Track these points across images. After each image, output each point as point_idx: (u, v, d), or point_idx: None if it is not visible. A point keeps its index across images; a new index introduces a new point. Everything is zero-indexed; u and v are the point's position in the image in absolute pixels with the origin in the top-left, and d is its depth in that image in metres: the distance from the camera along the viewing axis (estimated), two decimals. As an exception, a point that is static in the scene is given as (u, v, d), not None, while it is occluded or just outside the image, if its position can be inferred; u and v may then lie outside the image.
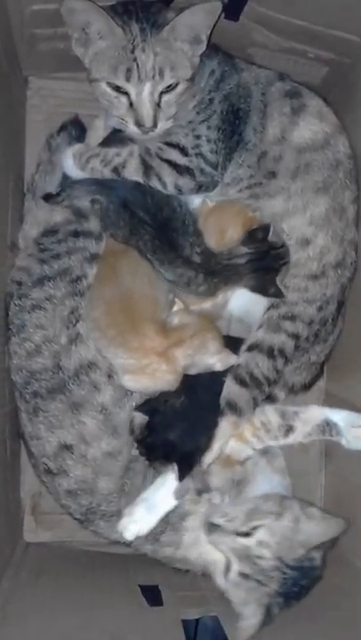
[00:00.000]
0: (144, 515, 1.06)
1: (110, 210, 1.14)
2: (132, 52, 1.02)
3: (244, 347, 1.13)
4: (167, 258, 1.14)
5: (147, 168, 1.12)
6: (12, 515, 1.24)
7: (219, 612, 1.02)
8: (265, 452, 1.16)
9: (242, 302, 1.20)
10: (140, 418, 1.07)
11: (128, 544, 1.10)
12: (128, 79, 1.03)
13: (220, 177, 1.15)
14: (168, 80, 1.04)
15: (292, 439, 1.15)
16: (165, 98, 1.06)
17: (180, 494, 1.07)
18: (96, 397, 1.09)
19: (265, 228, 1.12)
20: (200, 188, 1.15)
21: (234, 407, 1.09)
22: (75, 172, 1.17)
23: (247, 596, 1.01)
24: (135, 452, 1.09)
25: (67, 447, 1.08)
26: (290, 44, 1.16)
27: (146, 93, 1.04)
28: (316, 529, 1.03)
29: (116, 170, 1.13)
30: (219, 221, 1.19)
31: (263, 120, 1.13)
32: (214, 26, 1.06)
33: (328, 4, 1.04)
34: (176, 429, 1.07)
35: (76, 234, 1.15)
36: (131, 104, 1.06)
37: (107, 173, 1.13)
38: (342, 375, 1.25)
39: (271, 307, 1.14)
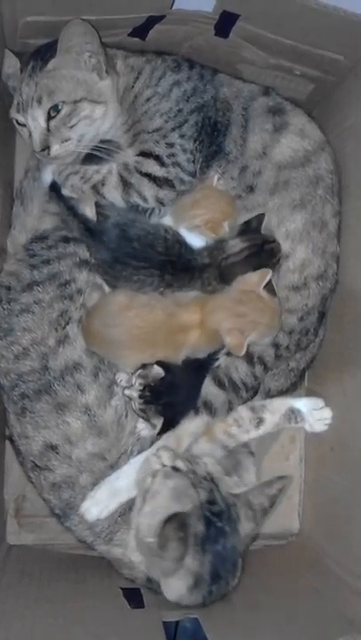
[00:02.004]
0: (106, 498, 1.07)
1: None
2: (20, 87, 1.11)
3: (224, 350, 1.14)
4: (183, 282, 1.16)
5: (125, 185, 1.14)
6: (-5, 517, 1.25)
7: (199, 615, 1.03)
8: (237, 466, 1.18)
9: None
10: (158, 370, 1.09)
11: (90, 545, 1.11)
12: (18, 111, 1.13)
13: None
14: (46, 105, 1.09)
15: (263, 430, 1.17)
16: (53, 123, 1.10)
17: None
18: (80, 398, 1.10)
19: (259, 218, 1.14)
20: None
21: (209, 407, 1.11)
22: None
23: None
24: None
25: (52, 447, 1.09)
26: (278, 61, 1.19)
27: (30, 120, 1.11)
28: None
29: (95, 187, 1.15)
30: (212, 212, 1.17)
31: (244, 134, 1.16)
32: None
33: (315, 25, 1.07)
34: (179, 395, 1.11)
35: (66, 239, 1.17)
36: (30, 134, 1.12)
37: (86, 190, 1.15)
38: (323, 383, 1.27)
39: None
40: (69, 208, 1.17)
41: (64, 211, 1.18)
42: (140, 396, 1.10)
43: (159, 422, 1.09)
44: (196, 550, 0.96)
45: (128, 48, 1.19)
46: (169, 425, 1.10)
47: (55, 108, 1.10)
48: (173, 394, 1.11)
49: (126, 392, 1.11)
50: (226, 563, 1.00)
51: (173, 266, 1.13)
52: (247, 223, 1.15)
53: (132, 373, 1.12)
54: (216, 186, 1.17)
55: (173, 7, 1.08)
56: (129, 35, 1.16)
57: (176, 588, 0.99)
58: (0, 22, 1.10)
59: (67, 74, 1.11)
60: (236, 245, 1.14)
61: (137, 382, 1.10)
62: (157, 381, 1.10)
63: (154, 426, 1.10)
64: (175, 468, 1.02)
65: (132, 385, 1.11)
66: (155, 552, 0.95)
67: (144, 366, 1.11)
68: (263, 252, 1.14)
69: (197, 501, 0.99)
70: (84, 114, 1.12)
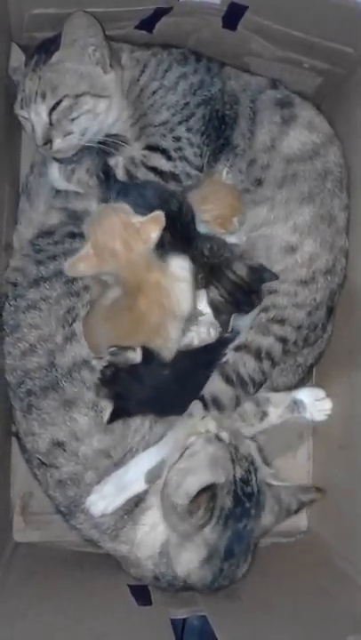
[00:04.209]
0: (113, 492, 1.06)
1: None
2: (24, 82, 1.10)
3: (232, 345, 1.14)
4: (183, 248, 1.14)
5: (132, 179, 1.14)
6: (1, 514, 1.24)
7: (206, 612, 1.03)
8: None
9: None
10: (133, 356, 1.08)
11: (96, 543, 1.11)
12: (22, 107, 1.12)
13: None
14: (50, 102, 1.09)
15: (267, 423, 1.17)
16: (55, 116, 1.10)
17: (150, 478, 1.07)
18: (87, 394, 1.09)
19: (274, 275, 1.13)
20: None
21: (217, 403, 1.10)
22: (61, 183, 1.19)
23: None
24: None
25: (59, 444, 1.09)
26: (286, 53, 1.18)
27: (33, 115, 1.10)
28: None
29: None
30: (221, 208, 1.18)
31: (252, 127, 1.15)
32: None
33: (324, 17, 1.06)
34: (137, 391, 1.09)
35: (72, 235, 1.17)
36: (33, 128, 1.12)
37: (93, 185, 1.15)
38: (331, 380, 1.26)
39: (261, 310, 1.15)
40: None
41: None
42: (101, 372, 1.09)
43: (108, 407, 1.07)
44: (217, 523, 0.97)
45: (135, 41, 1.18)
46: (116, 416, 1.08)
47: (59, 103, 1.10)
48: (132, 387, 1.09)
49: (94, 361, 1.10)
50: (242, 543, 1.00)
51: (175, 226, 1.13)
52: (263, 269, 1.14)
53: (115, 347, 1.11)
54: (225, 180, 1.16)
55: (181, -1, 1.07)
56: (136, 27, 1.16)
57: (188, 559, 1.00)
58: (6, 15, 1.09)
59: (70, 67, 1.10)
60: (240, 269, 1.15)
61: (106, 357, 1.09)
62: (126, 366, 1.08)
63: (101, 408, 1.09)
64: (219, 438, 1.02)
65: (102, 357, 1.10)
66: (179, 513, 0.96)
67: (126, 347, 1.09)
68: (248, 298, 1.15)
69: (232, 477, 0.98)
70: (87, 107, 1.11)
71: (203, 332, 1.17)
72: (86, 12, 1.06)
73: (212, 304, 1.16)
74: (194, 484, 0.94)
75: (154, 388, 1.10)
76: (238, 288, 1.14)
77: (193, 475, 0.96)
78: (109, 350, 1.09)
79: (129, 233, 1.07)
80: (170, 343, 1.10)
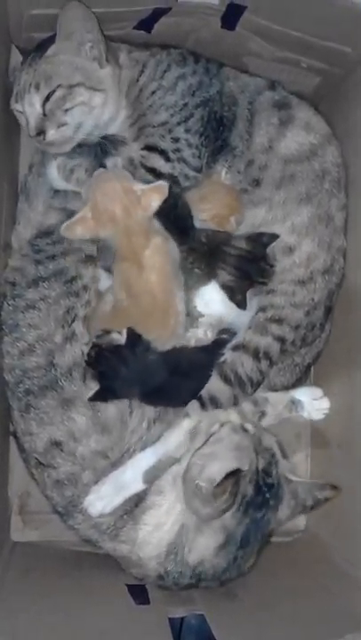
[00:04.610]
0: (111, 493, 1.06)
1: None
2: (20, 76, 1.11)
3: (230, 345, 1.14)
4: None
5: None
6: (-1, 514, 1.24)
7: (204, 611, 1.03)
8: None
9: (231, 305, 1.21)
10: (116, 337, 1.09)
11: (96, 544, 1.10)
12: (16, 100, 1.13)
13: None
14: (44, 91, 1.09)
15: (265, 423, 1.17)
16: (48, 106, 1.10)
17: (148, 478, 1.07)
18: (85, 392, 1.09)
19: (273, 236, 1.13)
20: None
21: (215, 402, 1.10)
22: (60, 183, 1.19)
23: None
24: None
25: (56, 444, 1.09)
26: (284, 53, 1.19)
27: (26, 106, 1.10)
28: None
29: None
30: (219, 207, 1.18)
31: (250, 128, 1.15)
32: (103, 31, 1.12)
33: (323, 17, 1.06)
34: (130, 370, 1.10)
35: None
36: (27, 120, 1.12)
37: None
38: (330, 379, 1.26)
39: (259, 309, 1.15)
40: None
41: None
42: (87, 354, 1.09)
43: (95, 388, 1.08)
44: (238, 509, 1.00)
45: (134, 41, 1.18)
46: (102, 396, 1.08)
47: (52, 93, 1.10)
48: (117, 367, 1.09)
49: (83, 344, 1.10)
50: (258, 533, 1.03)
51: (169, 218, 1.13)
52: (260, 234, 1.14)
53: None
54: (223, 180, 1.16)
55: (180, -1, 1.08)
56: (134, 28, 1.16)
57: (204, 545, 1.02)
58: (5, 15, 1.10)
59: (65, 59, 1.11)
60: (239, 243, 1.14)
61: (92, 340, 1.10)
62: (110, 347, 1.09)
63: (88, 388, 1.09)
64: (244, 429, 1.05)
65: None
66: (202, 496, 0.97)
67: (109, 331, 1.10)
68: (256, 266, 1.14)
69: (254, 467, 1.01)
70: (81, 99, 1.11)
71: (200, 333, 1.18)
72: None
73: (225, 287, 1.16)
74: (220, 469, 0.96)
75: (139, 371, 1.10)
76: (243, 259, 1.14)
77: (219, 460, 0.98)
78: (98, 333, 1.10)
79: (130, 199, 1.08)
80: (180, 319, 1.12)
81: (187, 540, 1.03)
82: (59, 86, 1.09)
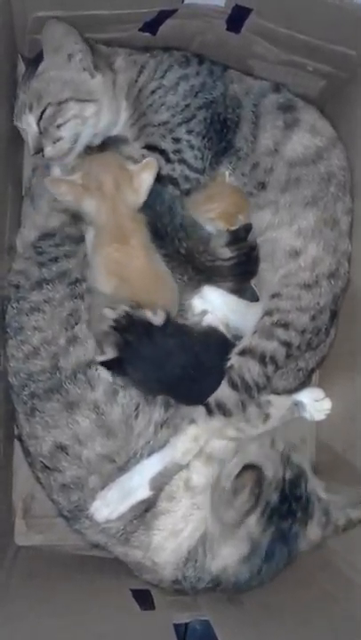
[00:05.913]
0: (117, 499, 1.06)
1: None
2: (18, 94, 1.16)
3: (236, 350, 1.14)
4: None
5: None
6: (3, 517, 1.24)
7: (209, 617, 1.02)
8: None
9: (236, 309, 1.21)
10: (152, 316, 1.08)
11: (104, 547, 1.10)
12: (17, 119, 1.16)
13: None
14: (37, 112, 1.12)
15: (270, 425, 1.17)
16: (43, 124, 1.12)
17: (155, 484, 1.06)
18: (89, 395, 1.09)
19: (247, 227, 1.14)
20: (186, 195, 1.17)
21: (222, 408, 1.10)
22: None
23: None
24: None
25: (62, 447, 1.08)
26: (289, 56, 1.18)
27: (25, 125, 1.15)
28: None
29: None
30: (225, 206, 1.18)
31: (255, 131, 1.15)
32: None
33: (328, 20, 1.06)
34: (146, 348, 1.08)
35: (74, 237, 1.16)
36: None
37: None
38: (334, 383, 1.26)
39: (265, 314, 1.15)
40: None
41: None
42: (115, 320, 1.07)
43: (109, 354, 1.07)
44: (262, 515, 0.99)
45: (138, 43, 1.18)
46: (116, 366, 1.07)
47: (44, 112, 1.12)
48: (142, 342, 1.08)
49: (106, 309, 1.08)
50: (284, 546, 1.02)
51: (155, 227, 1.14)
52: (235, 232, 1.15)
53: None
54: (229, 182, 1.16)
55: (185, 1, 1.07)
56: (139, 30, 1.16)
57: (228, 554, 1.02)
58: (10, 17, 1.09)
59: (54, 75, 1.13)
60: (225, 254, 1.15)
61: (122, 307, 1.08)
62: (142, 321, 1.07)
63: (103, 353, 1.07)
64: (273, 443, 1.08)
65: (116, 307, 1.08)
66: (225, 498, 0.97)
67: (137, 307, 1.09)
68: (251, 260, 1.15)
69: (280, 475, 1.02)
70: (72, 113, 1.13)
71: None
72: (80, 15, 1.09)
73: (233, 292, 1.17)
74: (238, 462, 0.98)
75: (160, 355, 1.09)
76: (235, 265, 1.15)
77: (236, 456, 1.01)
78: (131, 304, 1.08)
79: (122, 175, 1.10)
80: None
81: (210, 548, 1.03)
82: (48, 104, 1.11)
